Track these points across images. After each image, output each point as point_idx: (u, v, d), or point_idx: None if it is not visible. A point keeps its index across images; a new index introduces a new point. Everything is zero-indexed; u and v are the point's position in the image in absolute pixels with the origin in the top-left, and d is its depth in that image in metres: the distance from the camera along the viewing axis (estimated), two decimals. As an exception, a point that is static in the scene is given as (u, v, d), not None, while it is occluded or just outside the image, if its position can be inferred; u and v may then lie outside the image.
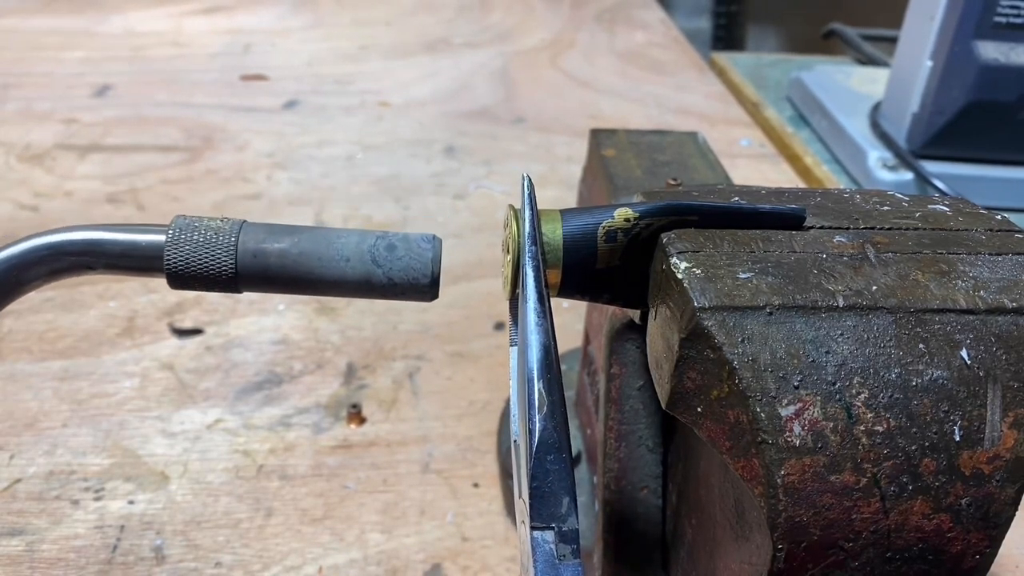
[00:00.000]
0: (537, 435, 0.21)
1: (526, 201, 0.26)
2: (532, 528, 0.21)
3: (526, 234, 0.25)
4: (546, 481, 0.21)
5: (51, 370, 0.55)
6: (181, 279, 0.28)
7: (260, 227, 0.28)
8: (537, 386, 0.22)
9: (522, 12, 1.26)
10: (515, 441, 0.24)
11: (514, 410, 0.24)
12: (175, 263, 0.28)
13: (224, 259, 0.28)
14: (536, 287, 0.24)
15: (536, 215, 0.26)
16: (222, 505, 0.46)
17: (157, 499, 0.46)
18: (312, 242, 0.28)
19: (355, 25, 1.18)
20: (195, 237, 0.28)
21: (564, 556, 0.21)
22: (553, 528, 0.21)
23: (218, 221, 0.28)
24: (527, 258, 0.25)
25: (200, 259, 0.27)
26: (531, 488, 0.21)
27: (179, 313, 0.61)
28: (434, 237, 0.29)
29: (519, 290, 0.25)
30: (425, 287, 0.28)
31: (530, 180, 0.27)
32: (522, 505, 0.22)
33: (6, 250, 0.28)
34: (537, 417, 0.21)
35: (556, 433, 0.21)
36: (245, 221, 0.28)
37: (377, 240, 0.28)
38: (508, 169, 0.83)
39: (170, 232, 0.28)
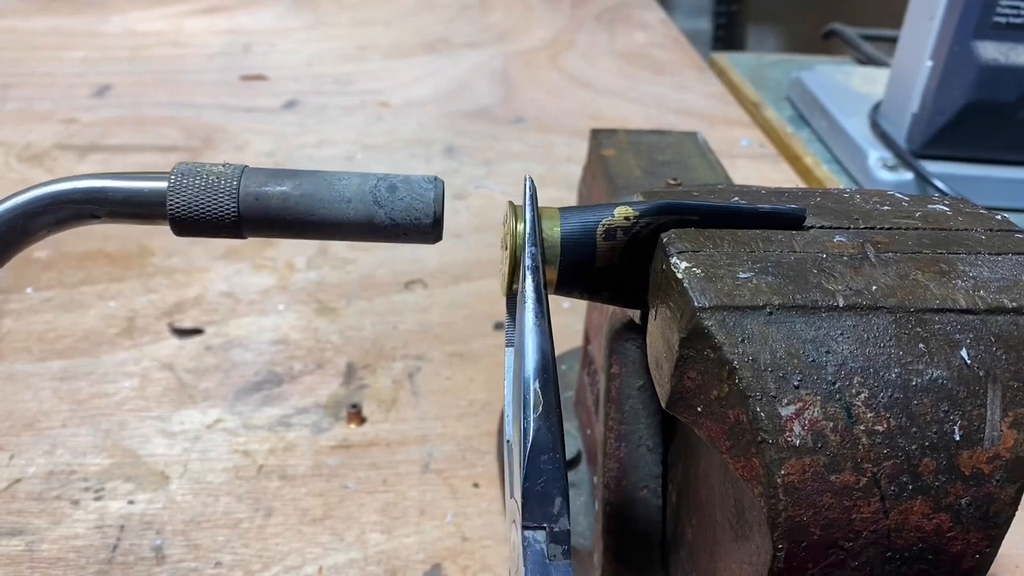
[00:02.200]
0: (531, 435, 0.21)
1: (528, 202, 0.26)
2: (524, 528, 0.21)
3: (526, 235, 0.25)
4: (539, 481, 0.21)
5: (51, 370, 0.55)
6: (184, 225, 0.28)
7: (262, 171, 0.29)
8: (533, 387, 0.22)
9: (522, 12, 1.26)
10: (508, 441, 0.24)
11: (508, 411, 0.24)
12: (178, 208, 0.28)
13: (226, 203, 0.28)
14: (535, 288, 0.24)
15: (537, 217, 0.26)
16: (222, 505, 0.46)
17: (157, 499, 0.46)
18: (314, 184, 0.28)
19: (355, 25, 1.18)
20: (197, 182, 0.28)
21: (555, 556, 0.21)
22: (545, 528, 0.21)
23: (220, 166, 0.28)
24: (526, 259, 0.25)
25: (202, 204, 0.28)
26: (524, 488, 0.21)
27: (179, 313, 0.61)
28: (436, 178, 0.29)
29: (517, 288, 0.25)
30: (428, 227, 0.28)
31: (532, 181, 0.27)
32: (514, 505, 0.22)
33: (10, 200, 0.28)
34: (532, 418, 0.21)
35: (550, 434, 0.21)
36: (247, 166, 0.29)
37: (379, 181, 0.29)
38: (508, 169, 0.83)
39: (172, 178, 0.28)
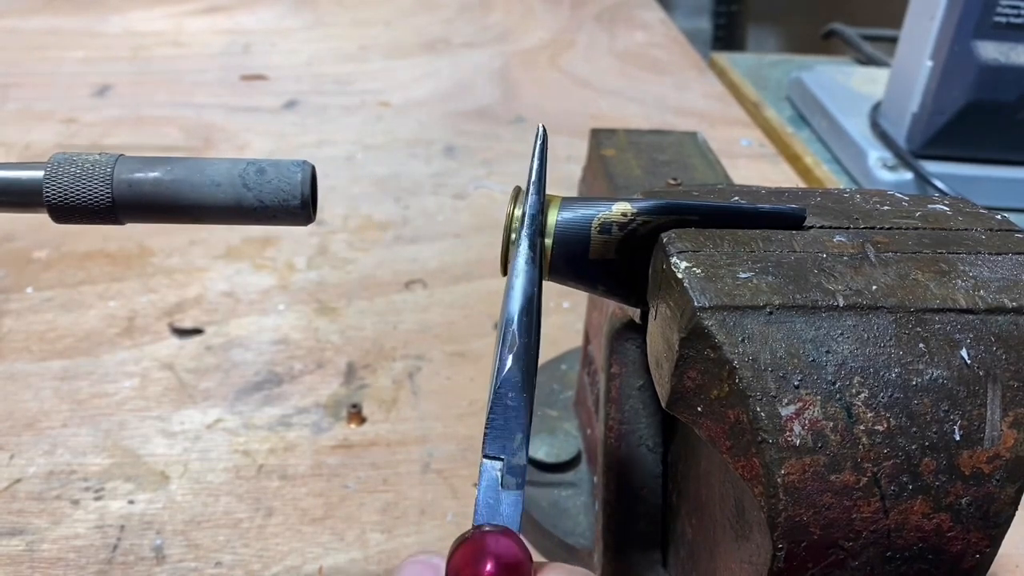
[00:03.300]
0: (504, 373, 0.22)
1: (537, 152, 0.26)
2: (484, 456, 0.22)
3: (531, 183, 0.26)
4: (504, 415, 0.22)
5: (51, 370, 0.55)
6: (62, 211, 0.29)
7: (136, 159, 0.30)
8: (513, 326, 0.23)
9: (522, 12, 1.26)
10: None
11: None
12: (54, 196, 0.29)
13: (101, 190, 0.29)
14: (530, 235, 0.25)
15: (544, 168, 0.26)
16: (222, 505, 0.46)
17: (157, 499, 0.46)
18: (185, 170, 0.29)
19: (355, 25, 1.18)
20: (72, 170, 0.29)
21: (508, 487, 0.22)
22: (503, 460, 0.22)
23: (96, 155, 0.29)
24: (528, 206, 0.25)
25: (77, 191, 0.29)
26: (488, 419, 0.22)
27: (179, 313, 0.61)
28: (304, 162, 0.30)
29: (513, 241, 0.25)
30: (296, 208, 0.29)
31: (544, 130, 0.27)
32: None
33: None
34: (508, 357, 0.23)
35: (520, 373, 0.22)
36: (122, 155, 0.30)
37: (248, 165, 0.29)
38: (508, 169, 0.83)
39: (48, 167, 0.29)
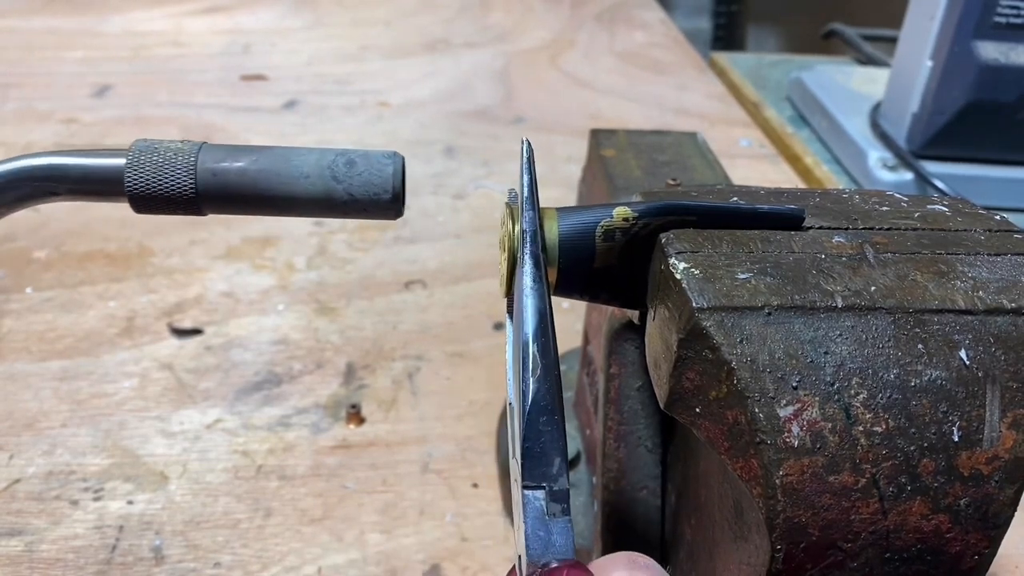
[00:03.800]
0: (531, 397, 0.22)
1: (525, 166, 0.26)
2: (524, 487, 0.21)
3: (524, 199, 0.25)
4: (539, 442, 0.22)
5: (51, 370, 0.55)
6: (143, 201, 0.28)
7: (220, 147, 0.28)
8: (532, 349, 0.22)
9: (522, 12, 1.26)
10: (510, 404, 0.24)
11: (509, 374, 0.25)
12: (136, 185, 0.28)
13: (184, 179, 0.28)
14: (533, 253, 0.24)
15: (535, 182, 0.26)
16: (221, 505, 0.46)
17: (156, 499, 0.46)
18: (271, 160, 0.28)
19: (355, 25, 1.18)
20: (155, 159, 0.28)
21: (555, 514, 0.21)
22: (544, 488, 0.21)
23: (178, 143, 0.28)
24: (525, 224, 0.25)
25: (160, 180, 0.28)
26: (524, 448, 0.21)
27: (178, 313, 0.61)
28: (395, 153, 0.29)
29: (516, 253, 0.25)
30: (387, 203, 0.28)
31: (529, 144, 0.26)
32: (515, 465, 0.22)
33: None
34: (531, 379, 0.22)
35: (549, 395, 0.22)
36: (205, 142, 0.29)
37: (337, 157, 0.28)
38: (508, 169, 0.83)
39: (130, 154, 0.28)
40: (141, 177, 0.28)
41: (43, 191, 0.28)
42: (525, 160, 0.26)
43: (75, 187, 0.28)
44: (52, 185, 0.28)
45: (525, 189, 0.26)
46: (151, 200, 0.28)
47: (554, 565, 0.20)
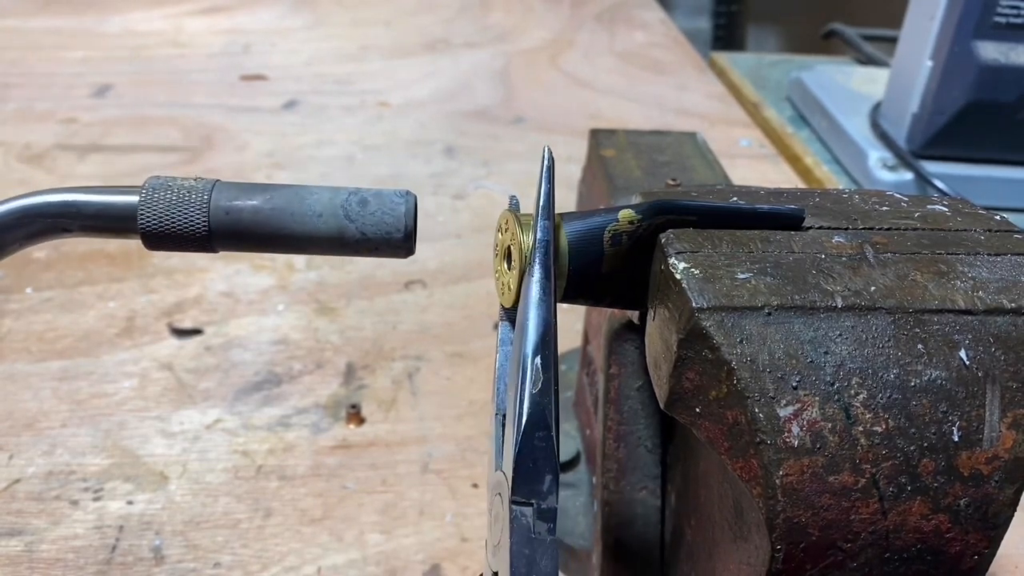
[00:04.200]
0: (528, 411, 0.21)
1: (544, 175, 0.25)
2: (513, 503, 0.21)
3: (540, 207, 0.25)
4: (532, 458, 0.21)
5: (50, 370, 0.55)
6: (156, 239, 0.28)
7: (233, 185, 0.28)
8: (533, 362, 0.22)
9: (522, 12, 1.26)
10: (497, 414, 0.24)
11: (500, 384, 0.24)
12: (149, 223, 0.28)
13: (197, 217, 0.28)
14: (544, 263, 0.24)
15: (552, 191, 0.25)
16: (221, 505, 0.46)
17: (156, 499, 0.46)
18: (284, 199, 0.28)
19: (355, 25, 1.18)
20: (168, 196, 0.28)
21: (540, 533, 0.21)
22: (533, 505, 0.21)
23: (191, 180, 0.28)
24: (539, 233, 0.24)
25: (173, 218, 0.28)
26: (516, 463, 0.21)
27: (178, 313, 0.61)
28: (408, 192, 0.29)
29: (528, 265, 0.24)
30: (399, 241, 0.28)
31: (551, 152, 0.26)
32: (501, 477, 0.22)
33: None
34: (529, 393, 0.21)
35: (547, 411, 0.21)
36: (218, 180, 0.29)
37: (350, 196, 0.28)
38: (508, 169, 0.83)
39: (143, 192, 0.28)
40: (154, 215, 0.28)
41: (56, 227, 0.28)
42: (545, 169, 0.25)
43: (88, 224, 0.28)
44: (65, 222, 0.28)
45: (542, 198, 0.25)
46: (164, 238, 0.28)
47: None
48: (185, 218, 0.28)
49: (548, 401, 0.22)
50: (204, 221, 0.28)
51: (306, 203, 0.28)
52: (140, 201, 0.28)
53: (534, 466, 0.21)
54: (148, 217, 0.28)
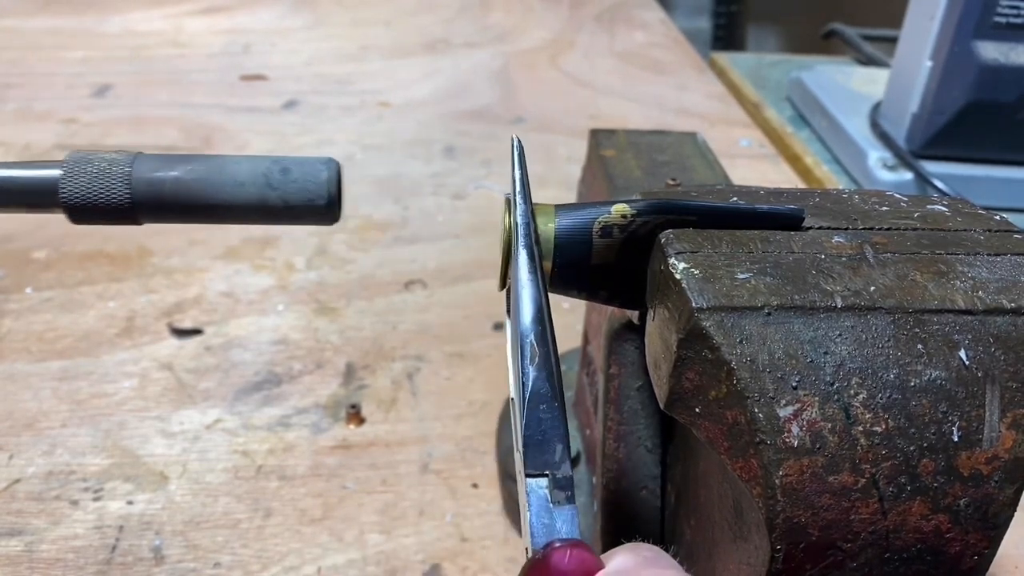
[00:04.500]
0: (530, 386, 0.22)
1: (516, 161, 0.26)
2: (527, 476, 0.21)
3: (516, 192, 0.26)
4: (539, 430, 0.21)
5: (50, 370, 0.55)
6: (79, 212, 0.28)
7: (154, 157, 0.29)
8: (529, 338, 0.22)
9: (522, 12, 1.26)
10: (512, 400, 0.24)
11: (511, 369, 0.24)
12: (71, 196, 0.28)
13: (120, 189, 0.28)
14: (527, 245, 0.24)
15: (526, 175, 0.26)
16: (221, 505, 0.46)
17: (156, 499, 0.46)
18: (206, 169, 0.28)
19: (355, 25, 1.18)
20: (89, 169, 0.28)
21: (559, 502, 0.21)
22: (547, 475, 0.21)
23: (113, 153, 0.29)
24: (518, 216, 0.25)
25: (95, 190, 0.28)
26: (524, 437, 0.21)
27: (178, 313, 0.61)
28: (330, 159, 0.29)
29: (513, 247, 0.25)
30: (322, 208, 0.29)
31: (519, 141, 0.27)
32: (518, 457, 0.22)
33: None
34: (530, 368, 0.22)
35: (548, 383, 0.22)
36: (140, 152, 0.29)
37: (271, 164, 0.29)
38: (507, 169, 0.83)
39: (65, 166, 0.28)
40: (77, 188, 0.28)
41: None
42: (516, 155, 0.26)
43: (9, 199, 0.28)
44: None
45: (517, 183, 0.26)
46: (87, 211, 0.28)
47: (557, 544, 0.19)
48: (107, 190, 0.28)
49: (548, 373, 0.22)
50: (127, 193, 0.28)
51: (227, 172, 0.28)
52: (62, 175, 0.28)
53: (543, 438, 0.21)
54: (70, 191, 0.28)
